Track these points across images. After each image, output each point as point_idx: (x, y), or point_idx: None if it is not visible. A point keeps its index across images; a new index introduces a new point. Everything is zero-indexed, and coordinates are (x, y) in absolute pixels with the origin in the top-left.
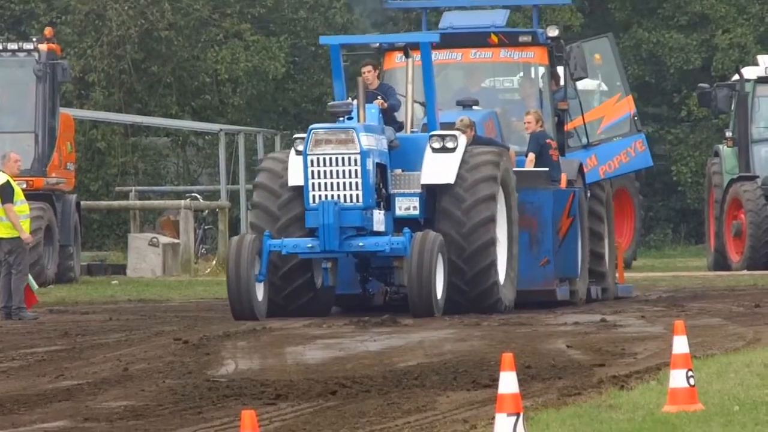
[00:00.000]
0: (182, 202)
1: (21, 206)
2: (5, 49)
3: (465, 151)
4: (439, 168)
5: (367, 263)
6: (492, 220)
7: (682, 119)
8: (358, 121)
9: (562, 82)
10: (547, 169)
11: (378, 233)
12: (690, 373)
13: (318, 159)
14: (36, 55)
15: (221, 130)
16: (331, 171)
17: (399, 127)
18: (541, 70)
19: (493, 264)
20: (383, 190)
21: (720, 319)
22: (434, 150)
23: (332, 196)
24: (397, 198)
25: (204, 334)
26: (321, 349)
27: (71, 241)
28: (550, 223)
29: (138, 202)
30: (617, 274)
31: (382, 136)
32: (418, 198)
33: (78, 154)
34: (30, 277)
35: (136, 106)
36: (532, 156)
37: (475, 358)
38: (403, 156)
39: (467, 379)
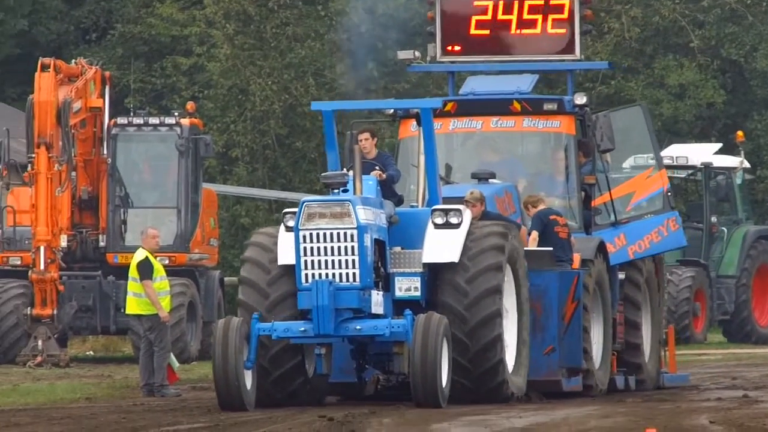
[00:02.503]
0: None
1: (161, 283)
2: (147, 124)
3: (469, 230)
4: (442, 245)
5: (364, 349)
6: (498, 314)
7: None
8: (355, 193)
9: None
10: (551, 248)
11: (376, 316)
12: None
13: (311, 234)
14: (178, 129)
15: None
16: (325, 248)
17: (398, 200)
18: (568, 141)
19: (501, 361)
20: (381, 269)
21: None
22: (437, 226)
23: (327, 274)
24: (396, 278)
25: (349, 411)
26: (466, 426)
27: (215, 318)
28: (555, 307)
29: None
30: (668, 362)
31: (380, 210)
32: (419, 278)
33: (221, 229)
34: (171, 355)
35: (280, 181)
36: (534, 234)
37: None
38: (402, 232)
39: None
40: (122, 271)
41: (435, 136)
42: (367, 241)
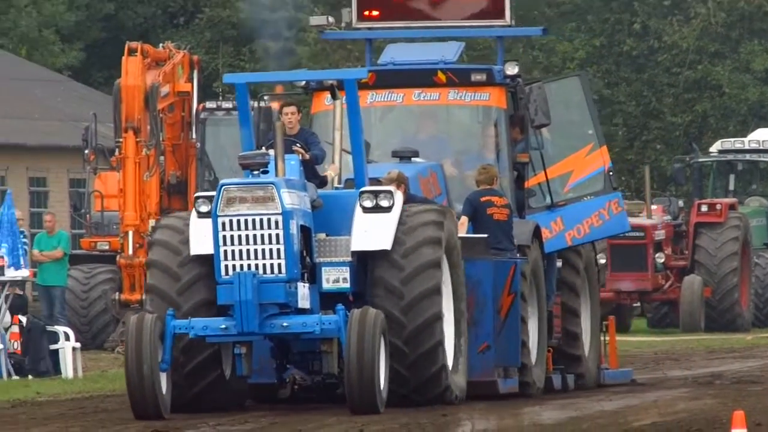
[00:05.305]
0: None
1: None
2: (236, 108)
3: (401, 218)
4: (373, 231)
5: (287, 347)
6: (438, 317)
7: None
8: (277, 175)
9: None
10: (485, 235)
11: (302, 311)
12: None
13: (231, 221)
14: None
15: None
16: (247, 236)
17: (320, 182)
18: (498, 115)
19: (443, 367)
20: (307, 259)
21: None
22: (365, 210)
23: (249, 266)
24: (323, 268)
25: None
26: (557, 410)
27: None
28: (490, 300)
29: None
30: (608, 356)
31: (304, 193)
32: (348, 268)
33: None
34: None
35: None
36: (463, 220)
37: (708, 416)
38: (326, 217)
39: None
40: None
41: (360, 109)
42: (293, 227)
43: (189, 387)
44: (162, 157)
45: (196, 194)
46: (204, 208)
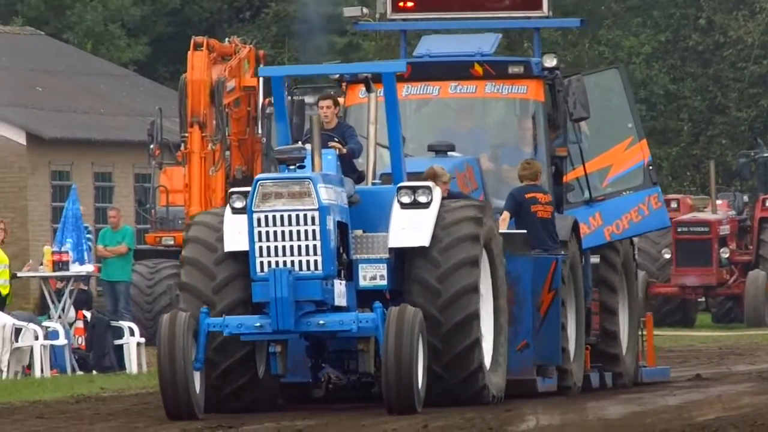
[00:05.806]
0: None
1: None
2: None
3: (438, 213)
4: (410, 227)
5: (322, 346)
6: (475, 316)
7: None
8: (313, 169)
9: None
10: (524, 231)
11: (338, 308)
12: None
13: (266, 217)
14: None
15: None
16: (282, 232)
17: (358, 177)
18: (536, 108)
19: (480, 367)
20: (344, 256)
21: None
22: (403, 206)
23: (285, 262)
24: (360, 265)
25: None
26: (621, 404)
27: None
28: (529, 297)
29: None
30: (646, 354)
31: (341, 188)
32: (385, 265)
33: None
34: None
35: None
36: (505, 215)
37: None
38: (363, 213)
39: None
40: None
41: (399, 103)
42: (330, 224)
43: (221, 387)
44: (228, 152)
45: (231, 189)
46: (239, 204)
